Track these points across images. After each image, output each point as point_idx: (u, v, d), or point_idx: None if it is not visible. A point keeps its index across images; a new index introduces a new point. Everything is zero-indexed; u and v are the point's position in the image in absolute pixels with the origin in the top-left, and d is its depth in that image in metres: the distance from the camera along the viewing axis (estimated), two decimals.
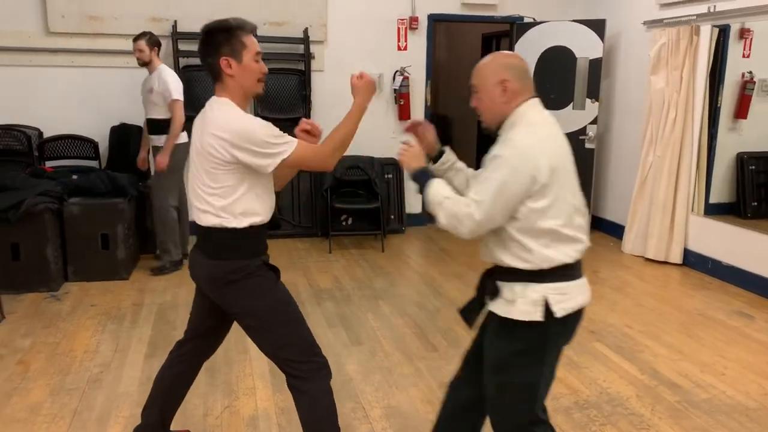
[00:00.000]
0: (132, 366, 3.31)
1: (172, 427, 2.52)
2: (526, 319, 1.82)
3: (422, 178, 1.98)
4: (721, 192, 5.24)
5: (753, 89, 5.16)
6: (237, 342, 3.41)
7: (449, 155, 2.17)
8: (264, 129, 2.00)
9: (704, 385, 3.19)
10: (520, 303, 1.84)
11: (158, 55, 4.60)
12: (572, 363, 3.40)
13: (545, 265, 1.83)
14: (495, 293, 1.90)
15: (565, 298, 1.84)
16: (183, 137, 4.60)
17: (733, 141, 5.25)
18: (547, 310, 1.82)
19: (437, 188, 1.93)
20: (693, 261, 5.12)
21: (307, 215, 5.97)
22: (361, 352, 3.50)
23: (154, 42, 4.55)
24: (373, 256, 5.40)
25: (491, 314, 1.94)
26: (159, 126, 4.60)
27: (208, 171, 2.03)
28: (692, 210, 5.15)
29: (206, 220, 2.08)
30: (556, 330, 1.86)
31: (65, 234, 4.45)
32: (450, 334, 3.78)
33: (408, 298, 4.45)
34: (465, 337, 3.75)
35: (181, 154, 4.58)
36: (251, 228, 2.08)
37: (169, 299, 4.26)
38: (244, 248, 2.09)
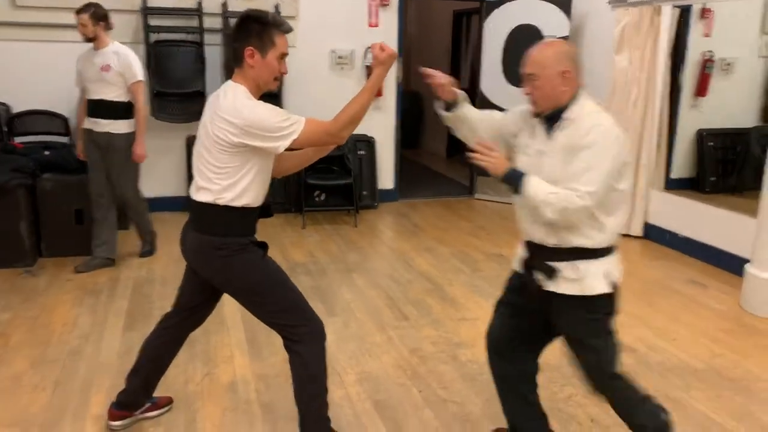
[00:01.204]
0: (111, 338, 3.39)
1: (154, 395, 2.63)
2: (597, 293, 2.03)
3: (514, 178, 2.02)
4: (682, 167, 5.45)
5: (712, 68, 5.35)
6: (214, 313, 3.48)
7: (464, 106, 2.26)
8: (274, 115, 2.08)
9: (657, 349, 3.40)
10: (589, 279, 2.03)
11: (106, 30, 4.14)
12: None
13: (605, 244, 2.04)
14: (552, 274, 2.07)
15: (618, 268, 2.09)
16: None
17: (694, 118, 5.44)
18: (612, 281, 2.04)
19: (537, 186, 1.98)
20: (653, 234, 5.35)
21: (280, 191, 6.04)
22: (336, 323, 3.63)
23: (99, 16, 4.08)
24: (346, 231, 5.51)
25: (549, 294, 2.09)
26: (114, 109, 4.17)
27: (212, 152, 2.12)
28: (653, 185, 5.36)
29: (203, 196, 2.17)
30: (616, 296, 2.09)
31: (38, 210, 4.46)
32: (420, 305, 3.93)
33: (380, 271, 4.58)
34: (435, 307, 3.91)
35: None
36: (244, 209, 2.18)
37: (144, 274, 4.33)
38: (234, 226, 2.19)
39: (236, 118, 2.05)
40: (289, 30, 2.16)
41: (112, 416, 2.54)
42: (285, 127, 2.07)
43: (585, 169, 1.93)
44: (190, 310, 2.46)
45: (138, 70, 4.17)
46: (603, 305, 2.08)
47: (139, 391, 2.54)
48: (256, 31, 2.10)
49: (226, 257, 2.18)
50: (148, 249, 4.69)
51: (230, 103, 2.08)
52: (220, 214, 2.17)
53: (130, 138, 4.23)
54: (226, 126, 2.06)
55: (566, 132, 2.02)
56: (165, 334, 2.50)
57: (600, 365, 2.14)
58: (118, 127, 4.19)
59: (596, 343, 2.12)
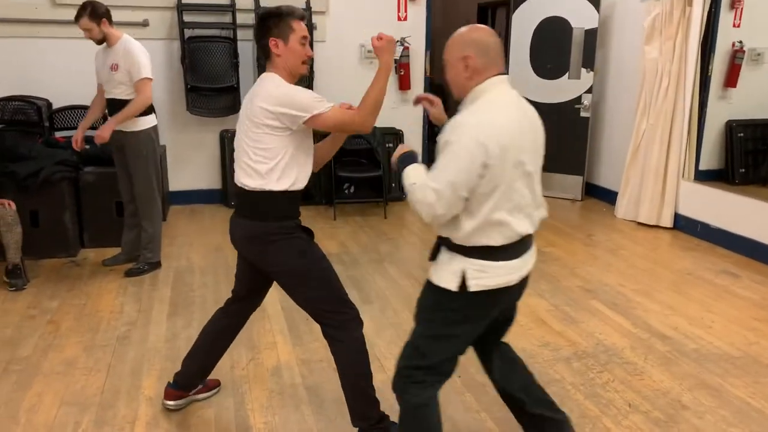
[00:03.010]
0: (157, 324, 3.50)
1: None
2: (443, 286, 1.97)
3: (404, 162, 2.02)
4: (710, 158, 5.43)
5: (743, 58, 5.32)
6: None
7: None
8: (304, 93, 2.22)
9: (693, 337, 3.43)
10: (441, 270, 1.99)
11: (111, 24, 3.94)
12: (570, 318, 3.63)
13: (467, 243, 1.93)
14: (432, 255, 2.07)
15: (483, 275, 1.93)
16: (152, 120, 4.13)
17: (723, 109, 5.42)
18: (461, 283, 1.92)
19: (408, 172, 1.95)
20: (683, 224, 5.35)
21: (311, 183, 6.13)
22: (373, 310, 3.71)
23: (98, 14, 3.84)
24: (376, 223, 5.59)
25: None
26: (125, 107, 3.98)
27: (252, 137, 2.22)
28: (683, 176, 5.36)
29: (249, 183, 2.25)
30: (467, 300, 1.98)
31: (81, 202, 4.60)
32: None
33: (412, 260, 4.65)
34: None
35: (152, 139, 4.13)
36: (288, 192, 2.26)
37: (185, 263, 4.44)
38: (281, 210, 2.27)
39: (268, 99, 2.18)
40: (302, 16, 2.29)
41: (168, 395, 2.65)
42: (313, 104, 2.20)
43: (436, 166, 1.86)
44: (245, 298, 2.56)
45: (144, 66, 3.91)
46: (447, 300, 1.97)
47: (196, 374, 2.66)
48: (274, 23, 2.25)
49: (275, 242, 2.27)
50: (136, 268, 4.23)
51: (264, 88, 2.22)
52: (266, 199, 2.25)
53: (142, 136, 4.06)
54: (260, 110, 2.18)
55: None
56: (224, 320, 2.60)
57: (405, 349, 2.11)
58: (130, 125, 4.02)
59: (415, 328, 2.09)
